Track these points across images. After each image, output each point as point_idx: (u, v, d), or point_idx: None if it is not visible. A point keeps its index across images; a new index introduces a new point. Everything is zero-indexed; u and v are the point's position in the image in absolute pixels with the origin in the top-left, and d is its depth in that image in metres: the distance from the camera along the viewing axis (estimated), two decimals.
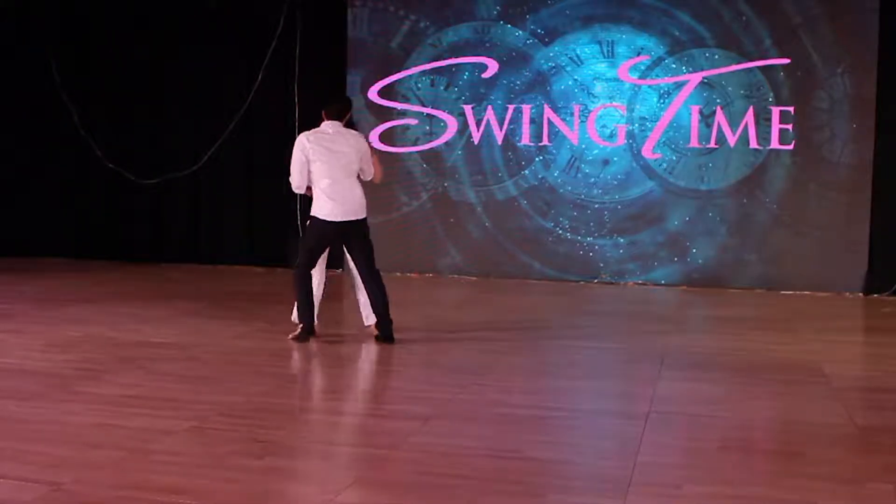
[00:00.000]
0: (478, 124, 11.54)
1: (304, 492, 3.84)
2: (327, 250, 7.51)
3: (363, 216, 7.25)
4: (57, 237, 12.75)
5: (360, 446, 4.56)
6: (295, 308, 7.36)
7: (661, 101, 11.02)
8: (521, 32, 11.38)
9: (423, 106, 11.72)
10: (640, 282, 11.13)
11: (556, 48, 11.28)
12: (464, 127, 11.60)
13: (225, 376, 6.00)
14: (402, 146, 11.81)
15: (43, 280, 10.65)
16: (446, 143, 11.67)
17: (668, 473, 4.24)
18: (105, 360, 6.46)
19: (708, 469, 4.32)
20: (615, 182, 11.18)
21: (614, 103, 11.15)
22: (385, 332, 7.27)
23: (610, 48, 11.11)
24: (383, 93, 11.80)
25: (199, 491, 3.83)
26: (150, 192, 12.34)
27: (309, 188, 7.24)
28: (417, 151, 11.78)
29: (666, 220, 11.08)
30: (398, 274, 11.78)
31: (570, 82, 11.26)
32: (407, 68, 11.75)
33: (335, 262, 12.13)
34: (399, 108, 11.79)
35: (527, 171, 11.45)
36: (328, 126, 7.20)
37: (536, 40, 11.33)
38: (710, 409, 5.40)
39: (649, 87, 11.07)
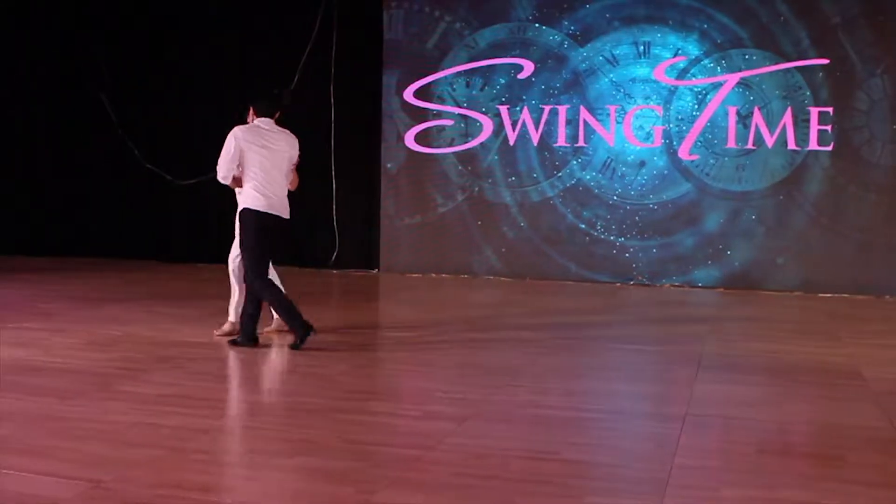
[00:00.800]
0: (513, 125, 11.52)
1: (340, 492, 3.84)
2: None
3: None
4: (96, 237, 12.87)
5: (395, 446, 4.56)
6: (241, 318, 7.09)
7: (698, 101, 10.95)
8: (556, 33, 11.35)
9: (459, 107, 11.72)
10: (676, 284, 11.07)
11: (592, 49, 11.24)
12: (499, 128, 11.59)
13: (259, 376, 6.03)
14: (438, 147, 11.82)
15: (82, 280, 10.76)
16: (482, 144, 11.67)
17: (705, 476, 4.21)
18: (143, 360, 6.52)
19: (745, 472, 4.29)
20: (651, 183, 11.13)
21: (651, 104, 11.10)
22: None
23: (646, 49, 11.05)
24: (419, 94, 11.81)
25: (236, 489, 3.86)
26: (187, 193, 12.41)
27: (236, 180, 7.04)
28: (453, 152, 11.78)
29: (702, 221, 11.01)
30: (433, 275, 11.80)
31: (606, 83, 11.22)
32: (442, 69, 11.75)
33: (370, 263, 12.21)
34: (434, 110, 11.80)
35: (562, 173, 11.43)
36: (262, 122, 7.08)
37: (572, 41, 11.30)
38: (748, 412, 5.35)
39: (686, 87, 11.00)
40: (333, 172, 12.16)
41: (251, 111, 7.19)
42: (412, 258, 12.02)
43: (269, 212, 6.94)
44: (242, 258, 7.11)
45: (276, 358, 6.63)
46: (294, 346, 6.86)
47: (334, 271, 12.16)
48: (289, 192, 7.27)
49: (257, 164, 6.92)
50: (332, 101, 12.09)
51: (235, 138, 6.93)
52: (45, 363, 6.36)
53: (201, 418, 4.94)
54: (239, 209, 7.04)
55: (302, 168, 12.27)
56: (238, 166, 6.95)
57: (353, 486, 3.90)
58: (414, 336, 7.79)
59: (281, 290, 7.02)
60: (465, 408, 5.28)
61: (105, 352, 6.76)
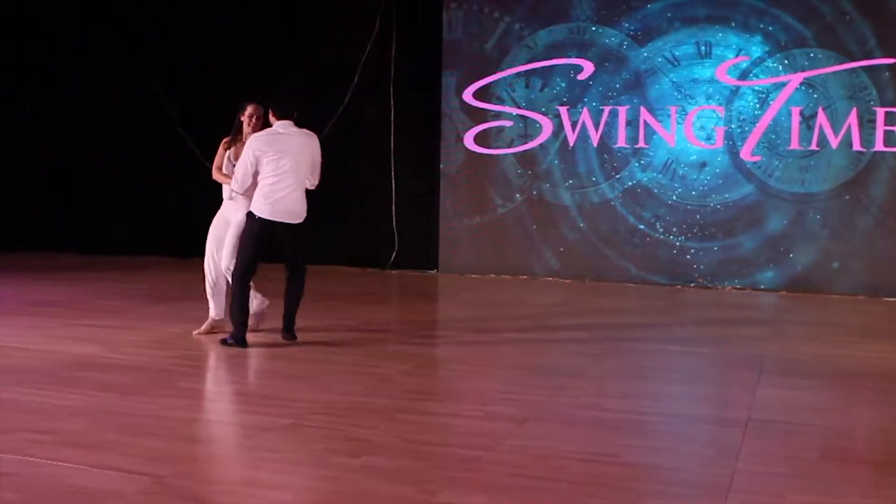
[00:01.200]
0: (573, 126, 11.48)
1: (401, 491, 3.86)
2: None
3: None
4: (161, 236, 13.05)
5: (455, 447, 4.56)
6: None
7: (761, 102, 10.82)
8: (616, 33, 11.29)
9: (518, 108, 11.70)
10: (737, 286, 10.95)
11: (653, 49, 11.16)
12: (559, 129, 11.55)
13: (321, 375, 6.08)
14: (497, 148, 11.81)
15: (148, 278, 10.92)
16: (541, 146, 11.64)
17: (768, 482, 4.16)
18: (204, 357, 6.60)
19: (809, 478, 4.23)
20: (713, 184, 11.02)
21: (712, 105, 10.99)
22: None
23: (707, 49, 10.95)
24: (478, 95, 11.81)
25: (297, 487, 3.89)
26: None
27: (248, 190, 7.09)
28: (512, 153, 11.77)
29: (765, 223, 10.87)
30: (492, 276, 11.79)
31: (666, 83, 11.13)
32: (502, 70, 11.74)
33: (429, 264, 12.23)
34: (494, 110, 11.80)
35: (622, 174, 11.36)
36: (281, 126, 7.03)
37: (632, 41, 11.23)
38: (811, 418, 5.28)
39: (748, 88, 10.88)
40: (393, 173, 12.21)
41: (269, 113, 7.14)
42: (471, 259, 12.02)
43: (272, 219, 6.93)
44: (237, 253, 7.12)
45: (337, 358, 6.67)
46: (224, 342, 6.96)
47: (393, 272, 12.21)
48: (314, 192, 7.24)
49: (271, 171, 6.91)
50: (392, 102, 12.14)
51: (253, 150, 6.94)
52: (110, 360, 6.47)
53: (262, 416, 4.99)
54: (248, 209, 7.04)
55: (362, 169, 12.43)
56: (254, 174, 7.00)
57: (414, 486, 3.91)
58: (473, 337, 7.80)
59: (248, 298, 7.03)
60: (525, 409, 5.27)
61: (167, 349, 6.86)
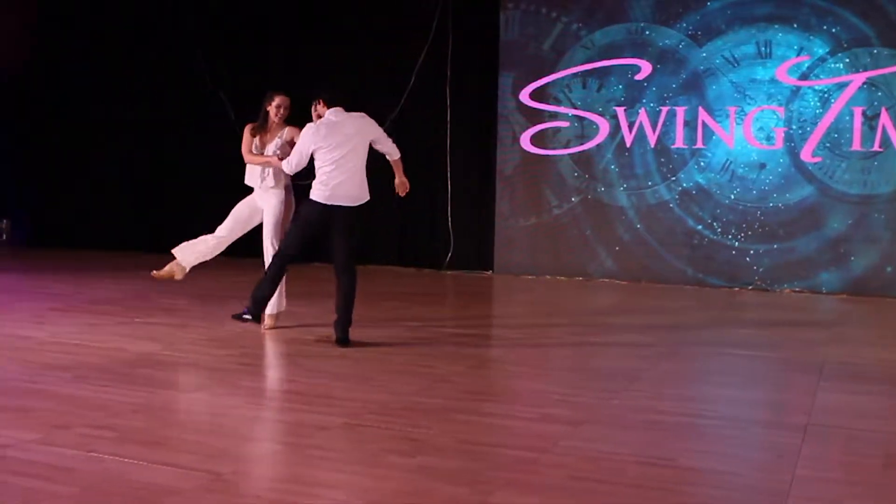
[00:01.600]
0: (630, 127, 11.41)
1: (456, 492, 3.85)
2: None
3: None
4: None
5: (510, 448, 4.55)
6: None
7: (822, 102, 10.66)
8: (675, 33, 11.20)
9: (575, 108, 11.65)
10: (796, 289, 10.80)
11: (712, 49, 11.05)
12: (615, 129, 11.49)
13: (376, 375, 6.09)
14: (554, 149, 11.78)
15: (205, 277, 11.03)
16: (597, 146, 11.58)
17: (828, 489, 4.09)
18: (262, 356, 6.66)
19: (871, 486, 4.15)
20: (772, 186, 10.89)
21: (772, 105, 10.86)
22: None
23: (767, 48, 10.82)
24: (535, 95, 11.79)
25: (353, 487, 3.90)
26: (305, 192, 12.63)
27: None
28: (568, 154, 11.72)
29: (825, 225, 10.72)
30: (547, 277, 11.76)
31: (725, 84, 11.02)
32: (559, 70, 11.71)
33: (484, 264, 12.21)
34: (550, 111, 11.76)
35: (680, 175, 11.26)
36: (333, 114, 7.13)
37: (691, 41, 11.13)
38: (873, 424, 5.19)
39: (809, 88, 10.73)
40: (449, 174, 12.23)
41: (320, 103, 7.19)
42: (526, 260, 12.00)
43: (328, 203, 7.03)
44: (287, 232, 7.24)
45: (392, 358, 6.69)
46: (235, 315, 7.28)
47: (448, 272, 12.22)
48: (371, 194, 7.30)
49: (328, 160, 7.03)
50: (448, 102, 12.16)
51: (310, 141, 7.07)
52: (167, 357, 6.55)
53: (318, 415, 5.02)
54: (309, 197, 7.16)
55: (418, 170, 12.43)
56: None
57: (469, 487, 3.91)
58: (528, 338, 7.78)
59: (280, 280, 7.23)
60: (581, 411, 5.24)
61: (225, 347, 6.92)
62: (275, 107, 7.64)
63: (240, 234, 7.84)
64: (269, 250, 7.57)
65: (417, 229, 12.64)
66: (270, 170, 7.57)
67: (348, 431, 4.73)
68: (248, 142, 7.67)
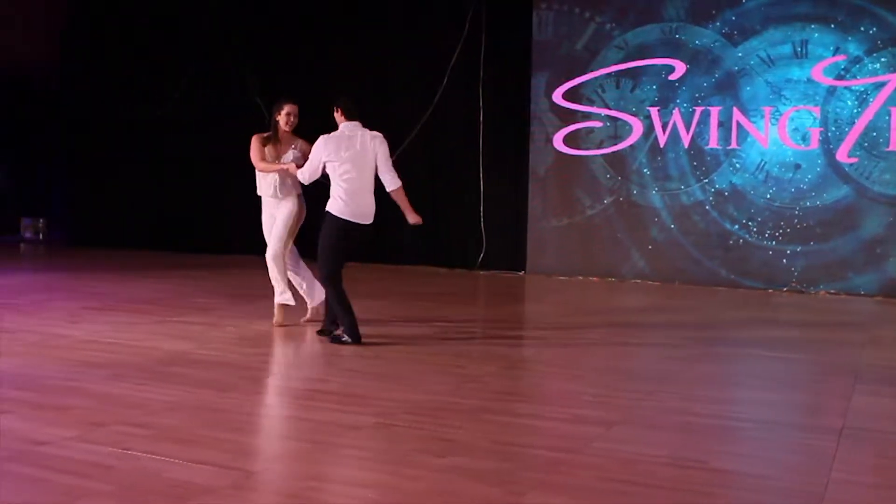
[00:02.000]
0: (664, 127, 11.36)
1: (488, 492, 3.86)
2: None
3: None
4: (253, 236, 13.25)
5: (542, 449, 4.54)
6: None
7: (859, 102, 10.57)
8: (709, 33, 11.14)
9: (608, 108, 11.62)
10: (832, 291, 10.72)
11: (746, 48, 10.99)
12: (649, 130, 11.45)
13: (408, 374, 6.11)
14: (587, 149, 11.76)
15: (238, 276, 11.11)
16: (631, 146, 11.55)
17: (864, 494, 4.05)
18: (293, 355, 6.69)
19: None
20: (807, 187, 10.80)
21: (807, 105, 10.77)
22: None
23: (803, 48, 10.74)
24: (568, 95, 11.77)
25: (384, 486, 3.91)
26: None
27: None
28: (601, 154, 11.69)
29: (861, 226, 10.62)
30: (580, 277, 11.73)
31: (760, 84, 10.94)
32: (592, 70, 11.68)
33: (517, 264, 12.20)
34: (583, 111, 11.74)
35: (714, 175, 11.20)
36: (347, 127, 7.07)
37: (725, 41, 11.07)
38: None
39: (845, 88, 10.63)
40: (482, 174, 12.23)
41: (339, 112, 7.14)
42: (559, 260, 11.98)
43: (351, 220, 6.99)
44: (319, 257, 7.15)
45: (424, 358, 6.70)
46: (334, 338, 7.05)
47: (481, 272, 12.22)
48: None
49: (339, 174, 6.99)
50: (481, 102, 12.16)
51: (320, 153, 7.04)
52: (201, 356, 6.59)
53: (350, 414, 5.04)
54: (326, 209, 7.13)
55: (451, 170, 12.46)
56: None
57: (502, 488, 3.91)
58: (561, 338, 7.77)
59: (345, 298, 7.05)
60: (613, 412, 5.23)
61: (258, 346, 6.97)
62: (284, 114, 7.69)
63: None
64: (268, 255, 7.76)
65: (450, 229, 12.66)
66: (284, 179, 7.59)
67: (380, 431, 4.75)
68: (259, 151, 7.65)
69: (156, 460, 4.17)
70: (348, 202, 6.98)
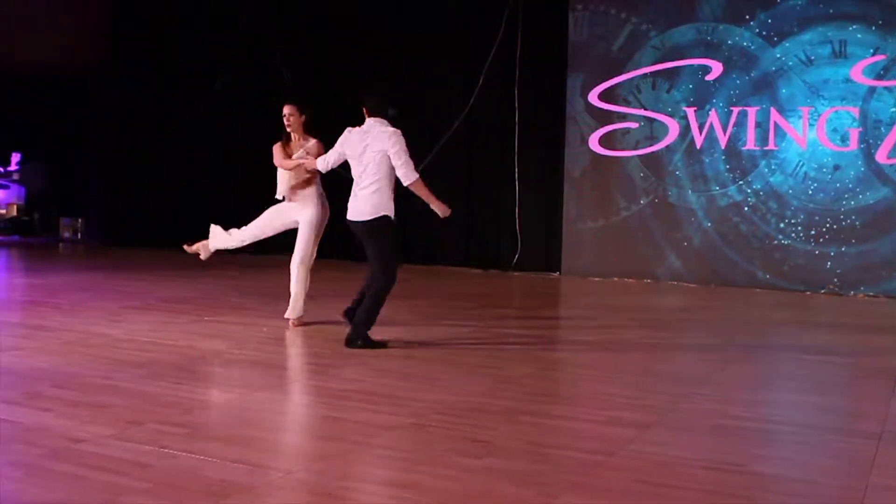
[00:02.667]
0: (700, 128, 11.29)
1: (522, 494, 3.85)
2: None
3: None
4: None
5: (577, 450, 4.53)
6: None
7: None
8: (746, 33, 11.06)
9: (644, 109, 11.57)
10: (870, 294, 10.60)
11: (784, 48, 10.89)
12: (685, 130, 11.38)
13: (443, 375, 6.11)
14: (623, 150, 11.71)
15: (272, 277, 11.16)
16: (667, 147, 11.49)
17: None
18: (329, 355, 6.71)
19: None
20: (846, 188, 10.69)
21: (846, 106, 10.66)
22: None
23: (842, 48, 10.63)
24: (604, 96, 11.73)
25: (420, 486, 3.92)
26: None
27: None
28: (637, 155, 11.64)
29: None
30: (615, 279, 11.68)
31: (798, 84, 10.85)
32: (628, 71, 11.63)
33: (552, 266, 12.17)
34: (619, 112, 11.69)
35: (751, 176, 11.12)
36: (369, 123, 7.01)
37: (763, 41, 10.99)
38: None
39: (885, 88, 10.52)
40: (517, 175, 12.22)
41: (365, 109, 7.07)
42: (594, 262, 11.94)
43: (349, 217, 7.05)
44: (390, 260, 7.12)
45: (459, 359, 6.70)
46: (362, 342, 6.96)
47: (515, 273, 12.21)
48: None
49: (352, 170, 7.06)
50: (517, 103, 12.15)
51: (340, 139, 7.14)
52: (236, 355, 6.64)
53: (385, 415, 5.05)
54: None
55: (486, 170, 12.45)
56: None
57: (535, 489, 3.90)
58: (596, 340, 7.74)
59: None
60: (648, 414, 5.21)
61: (293, 346, 7.01)
62: (283, 117, 7.85)
63: (265, 234, 8.08)
64: (295, 260, 7.77)
65: (485, 230, 12.65)
66: (301, 186, 7.72)
67: (416, 432, 4.76)
68: (281, 153, 7.81)
69: (192, 459, 4.20)
70: (350, 200, 7.03)
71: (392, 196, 6.95)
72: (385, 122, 6.97)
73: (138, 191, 15.11)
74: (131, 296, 9.54)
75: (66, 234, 16.80)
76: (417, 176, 6.88)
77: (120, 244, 15.20)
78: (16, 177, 17.35)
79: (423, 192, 6.97)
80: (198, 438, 4.52)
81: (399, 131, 6.89)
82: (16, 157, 17.44)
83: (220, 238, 8.07)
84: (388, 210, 6.91)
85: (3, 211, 17.19)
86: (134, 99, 14.93)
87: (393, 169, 6.86)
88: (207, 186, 14.38)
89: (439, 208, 7.06)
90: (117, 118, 15.28)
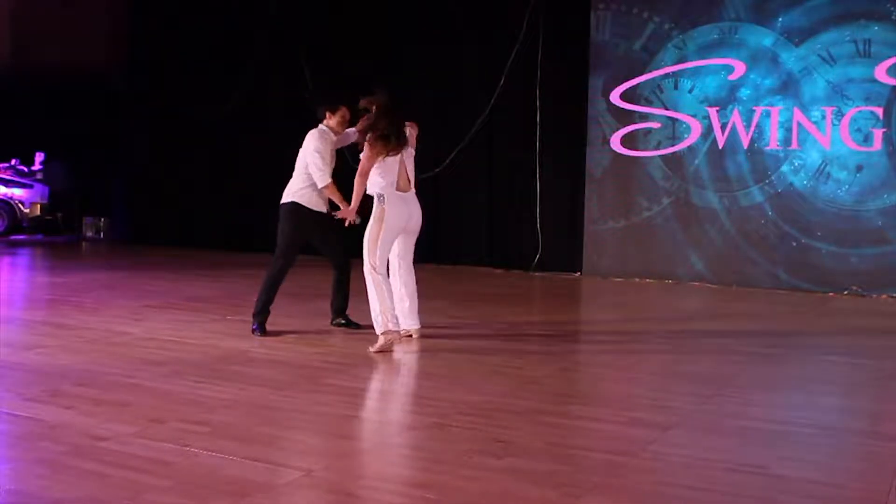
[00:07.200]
0: (722, 128, 11.24)
1: (544, 495, 3.85)
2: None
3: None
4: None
5: (598, 451, 4.53)
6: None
7: None
8: (769, 32, 11.00)
9: (667, 109, 11.52)
10: (894, 295, 10.52)
11: (807, 48, 10.83)
12: (708, 130, 11.33)
13: (465, 375, 6.11)
14: (644, 150, 11.67)
15: (295, 276, 11.16)
16: (689, 147, 11.44)
17: None
18: (351, 354, 6.72)
19: None
20: (870, 188, 10.61)
21: (870, 106, 10.58)
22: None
23: (866, 47, 10.55)
24: (626, 96, 11.69)
25: (441, 486, 3.92)
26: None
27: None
28: (659, 155, 11.60)
29: None
30: (636, 279, 11.65)
31: (821, 84, 10.78)
32: (650, 71, 11.59)
33: (573, 266, 12.15)
34: (641, 112, 11.65)
35: (774, 177, 11.06)
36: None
37: (786, 40, 10.92)
38: None
39: None
40: (538, 175, 12.20)
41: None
42: (615, 262, 11.90)
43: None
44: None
45: (481, 359, 6.70)
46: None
47: (536, 274, 12.19)
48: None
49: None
50: (538, 103, 12.12)
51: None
52: (259, 355, 6.67)
53: (408, 414, 5.06)
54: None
55: (507, 170, 12.43)
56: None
57: (557, 490, 3.90)
58: (618, 341, 7.73)
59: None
60: (670, 416, 5.19)
61: (315, 346, 7.02)
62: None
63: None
64: (365, 268, 7.23)
65: (506, 230, 12.64)
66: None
67: (437, 431, 4.76)
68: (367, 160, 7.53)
69: (214, 457, 4.21)
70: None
71: (309, 187, 7.56)
72: (322, 125, 7.81)
73: (161, 190, 15.18)
74: (154, 294, 9.58)
75: (90, 233, 16.87)
76: (327, 181, 7.58)
77: (143, 243, 15.27)
78: (39, 176, 17.44)
79: (335, 195, 7.58)
80: (219, 437, 4.54)
81: (314, 132, 7.72)
82: (39, 157, 17.53)
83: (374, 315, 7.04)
84: (300, 198, 7.57)
85: (27, 210, 17.27)
86: (157, 98, 14.99)
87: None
88: (230, 185, 14.42)
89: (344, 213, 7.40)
90: (141, 117, 15.35)
